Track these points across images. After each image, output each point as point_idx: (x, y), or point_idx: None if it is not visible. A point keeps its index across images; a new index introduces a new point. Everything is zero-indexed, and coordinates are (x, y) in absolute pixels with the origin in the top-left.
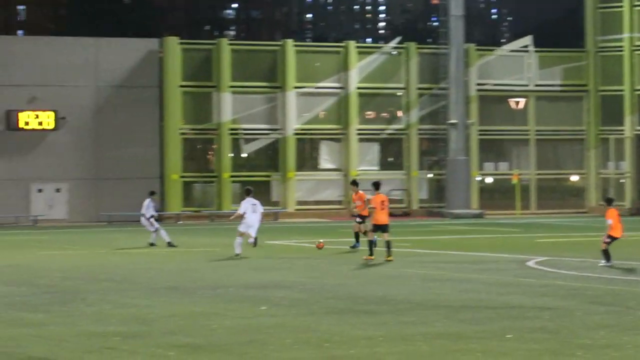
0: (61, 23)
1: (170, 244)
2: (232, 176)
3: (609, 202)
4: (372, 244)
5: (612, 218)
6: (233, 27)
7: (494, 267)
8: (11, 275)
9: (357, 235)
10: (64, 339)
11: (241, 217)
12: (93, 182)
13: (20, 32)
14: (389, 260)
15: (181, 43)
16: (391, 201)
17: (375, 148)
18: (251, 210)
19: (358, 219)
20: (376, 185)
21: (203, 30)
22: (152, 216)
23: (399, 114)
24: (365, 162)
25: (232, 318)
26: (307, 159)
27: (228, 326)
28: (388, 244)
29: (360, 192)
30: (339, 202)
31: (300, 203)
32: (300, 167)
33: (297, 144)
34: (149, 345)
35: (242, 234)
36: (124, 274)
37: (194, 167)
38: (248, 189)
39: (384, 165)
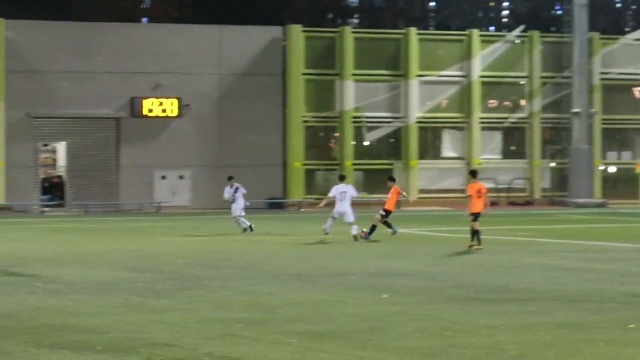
0: (185, 11)
1: (250, 227)
2: (354, 164)
3: None
4: (477, 233)
5: None
6: (357, 16)
7: (616, 257)
8: (135, 262)
9: (373, 228)
10: (186, 326)
11: (331, 202)
12: (216, 169)
13: (145, 19)
14: (472, 248)
15: (305, 31)
16: (514, 190)
17: (497, 137)
18: (339, 198)
19: (382, 212)
20: (473, 174)
21: (326, 19)
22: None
23: (522, 102)
24: (487, 151)
25: (354, 306)
26: (430, 148)
27: (350, 314)
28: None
29: (397, 186)
30: (462, 191)
31: (422, 192)
32: (423, 155)
33: (419, 133)
34: (271, 333)
35: (334, 218)
36: (247, 261)
37: (316, 155)
38: (342, 176)
39: (507, 155)
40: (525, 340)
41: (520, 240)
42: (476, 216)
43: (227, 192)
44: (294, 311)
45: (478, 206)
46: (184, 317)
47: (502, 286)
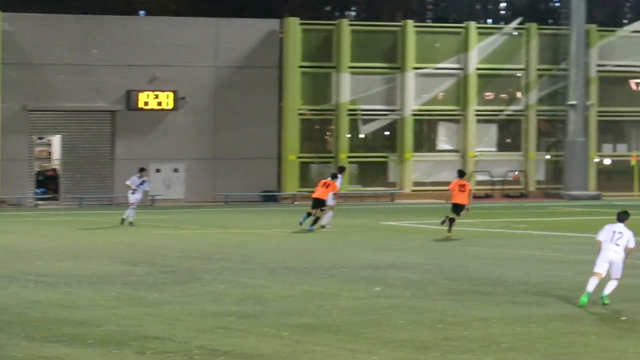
0: (183, 3)
1: (131, 224)
2: (349, 157)
3: None
4: (452, 221)
5: None
6: (354, 8)
7: None
8: (128, 255)
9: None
10: (178, 319)
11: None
12: (211, 162)
13: (142, 12)
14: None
15: (302, 24)
16: (509, 182)
17: (493, 129)
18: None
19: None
20: (460, 173)
21: (324, 11)
22: (133, 191)
23: (518, 95)
24: (482, 144)
25: (347, 298)
26: (425, 140)
27: (342, 307)
28: (452, 221)
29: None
30: None
31: (416, 184)
32: (418, 148)
33: (414, 125)
34: (262, 326)
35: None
36: (241, 254)
37: (311, 148)
38: (340, 167)
39: (502, 147)
40: (517, 333)
41: (514, 233)
42: (456, 207)
43: (133, 182)
44: (286, 304)
45: (460, 199)
46: (176, 310)
47: (496, 279)
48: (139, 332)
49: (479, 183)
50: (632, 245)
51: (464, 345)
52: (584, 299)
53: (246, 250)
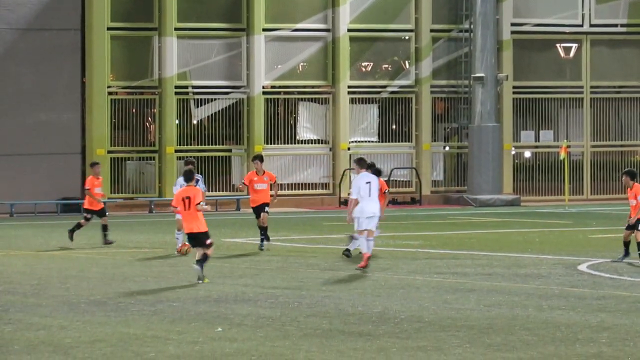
0: None
1: None
2: (177, 151)
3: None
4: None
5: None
6: None
7: (533, 273)
8: None
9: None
10: None
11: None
12: None
13: None
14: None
15: None
16: (395, 184)
17: (372, 112)
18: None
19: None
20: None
21: None
22: None
23: (406, 65)
24: (359, 132)
25: (179, 343)
26: (281, 128)
27: (171, 354)
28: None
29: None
30: (324, 185)
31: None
32: (272, 138)
33: (267, 107)
34: None
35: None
36: (32, 284)
37: (127, 139)
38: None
39: (385, 136)
40: None
41: (403, 252)
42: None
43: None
44: (95, 351)
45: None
46: None
47: (379, 313)
48: None
49: None
50: None
51: None
52: None
53: (39, 278)
